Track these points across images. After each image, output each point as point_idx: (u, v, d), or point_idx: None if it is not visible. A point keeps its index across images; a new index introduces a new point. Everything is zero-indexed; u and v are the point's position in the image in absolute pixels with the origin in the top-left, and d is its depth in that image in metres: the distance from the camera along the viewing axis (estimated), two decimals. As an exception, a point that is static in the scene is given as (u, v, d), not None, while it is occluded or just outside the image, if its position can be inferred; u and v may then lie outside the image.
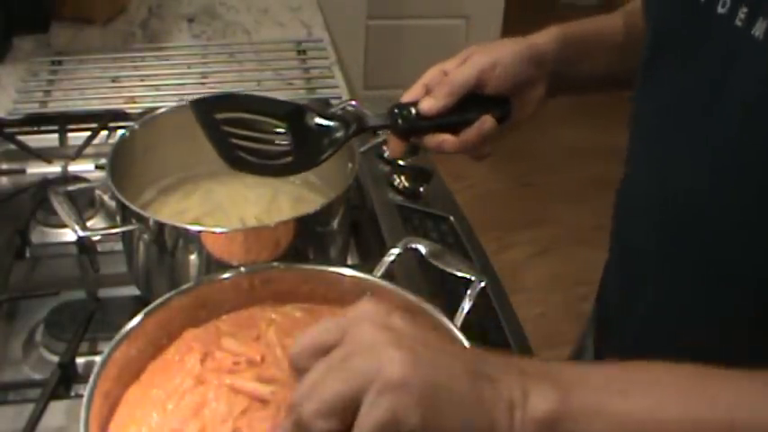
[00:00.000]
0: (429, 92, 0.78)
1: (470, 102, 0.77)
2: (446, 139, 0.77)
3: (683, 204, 0.66)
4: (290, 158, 0.76)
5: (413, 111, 0.77)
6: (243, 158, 0.75)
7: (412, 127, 0.77)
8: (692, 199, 0.65)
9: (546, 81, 0.81)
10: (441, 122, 0.77)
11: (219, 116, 0.75)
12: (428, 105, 0.76)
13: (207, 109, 0.75)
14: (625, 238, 0.77)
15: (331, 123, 0.76)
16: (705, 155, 0.63)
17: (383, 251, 0.76)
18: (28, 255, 0.96)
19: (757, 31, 0.56)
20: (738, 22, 0.58)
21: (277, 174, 0.79)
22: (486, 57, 0.78)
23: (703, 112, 0.63)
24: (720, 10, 0.60)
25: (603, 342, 0.85)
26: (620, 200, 0.78)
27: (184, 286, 0.70)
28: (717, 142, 0.62)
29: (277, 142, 0.75)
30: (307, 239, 0.82)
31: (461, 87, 0.77)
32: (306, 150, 0.76)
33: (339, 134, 0.76)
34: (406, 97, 0.78)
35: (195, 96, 1.27)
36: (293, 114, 0.76)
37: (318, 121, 0.76)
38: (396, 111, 0.77)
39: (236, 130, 0.75)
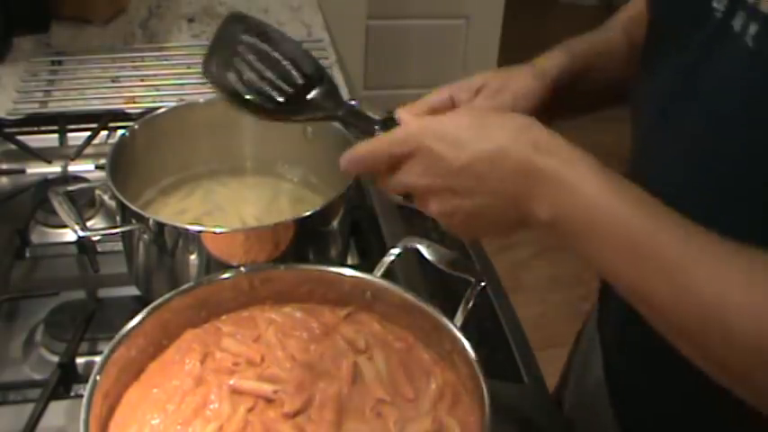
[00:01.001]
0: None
1: None
2: None
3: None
4: (276, 101, 0.70)
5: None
6: (228, 80, 0.69)
7: None
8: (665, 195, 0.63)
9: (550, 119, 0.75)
10: None
11: (244, 37, 0.71)
12: None
13: (238, 25, 0.72)
14: None
15: (338, 100, 0.71)
16: (677, 152, 0.63)
17: (383, 251, 0.76)
18: (28, 255, 0.96)
19: (749, 37, 0.56)
20: (734, 25, 0.58)
21: (251, 109, 0.71)
22: (504, 97, 0.73)
23: (679, 112, 0.63)
24: (716, 5, 0.60)
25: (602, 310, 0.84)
26: None
27: (184, 286, 0.70)
28: (686, 142, 0.62)
29: (278, 84, 0.71)
30: (307, 239, 0.82)
31: None
32: (295, 104, 0.71)
33: (332, 108, 0.70)
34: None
35: (195, 96, 1.28)
36: (314, 75, 0.71)
37: (329, 90, 0.71)
38: (387, 120, 0.69)
39: (248, 57, 0.71)
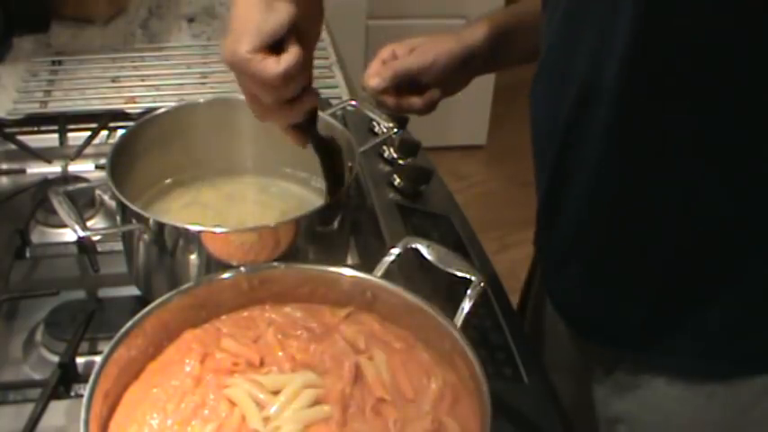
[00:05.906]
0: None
1: None
2: None
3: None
4: None
5: None
6: None
7: None
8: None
9: (472, 74, 0.99)
10: None
11: None
12: (375, 82, 0.96)
13: None
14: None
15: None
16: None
17: (383, 251, 0.76)
18: (28, 255, 0.96)
19: None
20: None
21: None
22: (427, 55, 0.95)
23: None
24: None
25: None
26: None
27: (184, 286, 0.70)
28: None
29: None
30: (307, 239, 0.82)
31: (403, 74, 0.95)
32: None
33: None
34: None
35: (195, 96, 1.27)
36: None
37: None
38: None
39: None
